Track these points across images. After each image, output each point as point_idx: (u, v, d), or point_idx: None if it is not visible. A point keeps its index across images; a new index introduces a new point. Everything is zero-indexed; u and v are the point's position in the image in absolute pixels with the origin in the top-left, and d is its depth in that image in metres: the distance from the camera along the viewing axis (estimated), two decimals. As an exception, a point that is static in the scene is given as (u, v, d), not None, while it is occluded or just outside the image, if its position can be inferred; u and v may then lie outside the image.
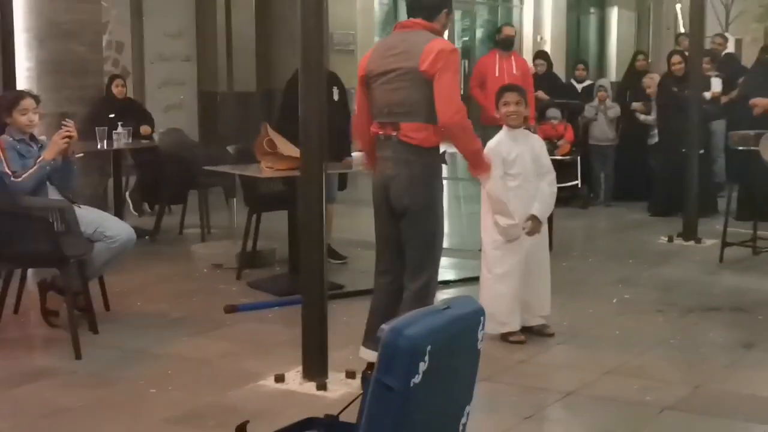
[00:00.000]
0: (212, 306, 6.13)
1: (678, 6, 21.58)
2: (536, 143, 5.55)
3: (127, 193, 9.48)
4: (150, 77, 12.23)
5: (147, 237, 8.23)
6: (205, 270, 7.31)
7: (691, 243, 8.36)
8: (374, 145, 4.66)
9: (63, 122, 5.71)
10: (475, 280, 6.27)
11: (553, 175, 5.49)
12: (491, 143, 5.46)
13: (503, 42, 9.96)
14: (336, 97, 7.14)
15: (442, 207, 4.65)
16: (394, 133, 4.49)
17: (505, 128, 5.47)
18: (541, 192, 5.38)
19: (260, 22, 13.06)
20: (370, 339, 4.57)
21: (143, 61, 12.16)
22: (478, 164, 4.71)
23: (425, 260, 4.56)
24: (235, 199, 8.07)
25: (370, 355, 4.35)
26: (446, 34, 4.75)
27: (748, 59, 12.91)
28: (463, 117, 4.46)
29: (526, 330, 5.47)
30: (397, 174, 4.51)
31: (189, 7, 12.75)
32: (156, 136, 8.96)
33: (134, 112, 9.06)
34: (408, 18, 4.65)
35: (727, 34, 15.07)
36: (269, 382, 4.67)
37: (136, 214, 9.47)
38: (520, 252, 5.38)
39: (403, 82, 4.46)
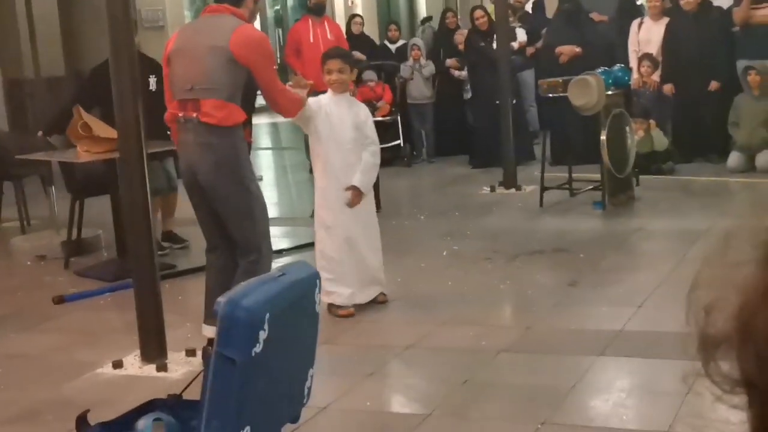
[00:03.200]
0: (39, 299, 5.92)
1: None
2: (361, 112, 5.41)
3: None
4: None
5: (-38, 235, 7.86)
6: (29, 263, 7.04)
7: (512, 191, 8.64)
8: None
9: None
10: (308, 246, 6.30)
11: (376, 146, 5.38)
12: (312, 99, 5.32)
13: (315, 7, 9.96)
14: (153, 86, 6.64)
15: (255, 181, 4.70)
16: (194, 114, 4.47)
17: (330, 91, 5.40)
18: (363, 162, 5.26)
19: (63, 2, 12.55)
20: (209, 315, 4.54)
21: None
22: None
23: (250, 237, 4.59)
24: (54, 187, 7.79)
25: (212, 332, 4.32)
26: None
27: (550, 10, 13.35)
28: (301, 106, 4.76)
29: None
30: (202, 159, 4.50)
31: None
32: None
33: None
34: (215, 2, 4.65)
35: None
36: (107, 369, 4.58)
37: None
38: (348, 224, 5.25)
39: (207, 57, 4.46)
